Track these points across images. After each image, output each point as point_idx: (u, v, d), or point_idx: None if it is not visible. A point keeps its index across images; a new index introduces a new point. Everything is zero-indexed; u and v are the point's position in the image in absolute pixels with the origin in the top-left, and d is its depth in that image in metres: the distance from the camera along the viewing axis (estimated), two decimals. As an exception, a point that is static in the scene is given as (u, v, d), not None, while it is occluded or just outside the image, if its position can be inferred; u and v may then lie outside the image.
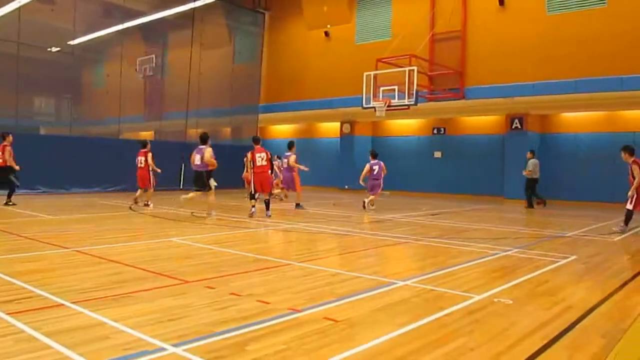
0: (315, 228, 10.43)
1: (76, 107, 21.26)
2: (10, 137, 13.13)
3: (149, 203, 13.80)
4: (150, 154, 13.83)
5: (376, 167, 14.36)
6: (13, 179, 13.12)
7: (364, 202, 14.31)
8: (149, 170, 13.76)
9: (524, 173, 16.40)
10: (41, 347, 3.40)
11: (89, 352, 3.33)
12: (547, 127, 19.36)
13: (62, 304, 4.41)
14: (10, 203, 13.03)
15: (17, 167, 13.04)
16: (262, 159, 11.79)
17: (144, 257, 6.74)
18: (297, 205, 14.20)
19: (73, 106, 21.00)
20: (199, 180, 11.57)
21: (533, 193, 16.55)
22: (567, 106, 17.96)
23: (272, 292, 5.05)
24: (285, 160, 14.42)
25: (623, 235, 10.15)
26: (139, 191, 14.15)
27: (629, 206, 10.39)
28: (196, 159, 11.45)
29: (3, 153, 12.87)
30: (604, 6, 15.77)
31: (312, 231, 10.04)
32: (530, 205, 16.56)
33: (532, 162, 16.40)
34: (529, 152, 16.73)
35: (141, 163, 13.86)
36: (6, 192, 13.28)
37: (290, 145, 14.58)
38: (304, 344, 3.59)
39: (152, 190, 14.04)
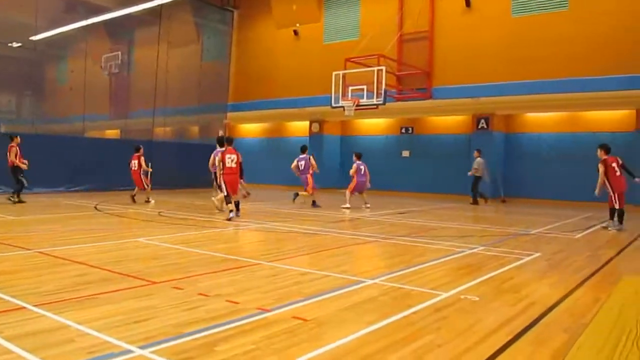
0: (285, 227, 10.41)
1: (39, 105, 20.70)
2: (18, 139, 13.90)
3: (150, 199, 14.99)
4: (142, 158, 14.96)
5: (362, 167, 14.77)
6: (21, 178, 13.77)
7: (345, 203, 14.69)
8: (140, 173, 14.89)
9: (469, 173, 17.14)
10: (2, 352, 3.30)
11: (52, 356, 3.26)
12: (512, 127, 19.77)
13: (24, 307, 4.29)
14: (17, 200, 13.64)
15: (23, 166, 13.73)
16: (232, 161, 11.53)
17: (110, 258, 6.61)
18: (314, 203, 14.78)
19: (36, 103, 20.44)
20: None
21: (476, 190, 17.16)
22: (531, 107, 18.38)
23: (241, 292, 5.02)
24: (302, 162, 14.82)
25: (585, 232, 10.44)
26: (135, 189, 15.12)
27: (616, 205, 10.73)
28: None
29: (10, 153, 13.60)
30: (565, 10, 16.18)
31: (281, 230, 10.02)
32: (475, 202, 17.24)
33: (477, 161, 17.01)
34: (475, 151, 17.24)
35: (134, 166, 15.01)
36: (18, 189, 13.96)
37: (303, 149, 15.15)
38: (273, 344, 3.58)
39: (148, 188, 15.18)
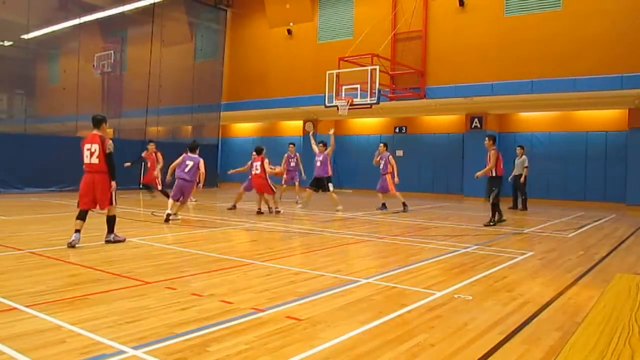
0: (278, 227, 10.39)
1: (31, 104, 20.55)
2: None
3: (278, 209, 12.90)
4: (266, 160, 12.71)
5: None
6: None
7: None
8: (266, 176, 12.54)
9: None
10: (-7, 353, 3.28)
11: (43, 357, 3.23)
12: (505, 126, 19.82)
13: (15, 308, 4.26)
14: None
15: None
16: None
17: (102, 258, 6.58)
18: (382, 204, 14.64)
19: (27, 102, 20.29)
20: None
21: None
22: (523, 106, 18.43)
23: (234, 291, 5.01)
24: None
25: (578, 231, 10.49)
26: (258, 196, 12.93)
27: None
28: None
29: None
30: (559, 9, 16.22)
31: (275, 230, 10.00)
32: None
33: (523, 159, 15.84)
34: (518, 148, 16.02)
35: (257, 169, 12.59)
36: None
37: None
38: (267, 344, 3.57)
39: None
